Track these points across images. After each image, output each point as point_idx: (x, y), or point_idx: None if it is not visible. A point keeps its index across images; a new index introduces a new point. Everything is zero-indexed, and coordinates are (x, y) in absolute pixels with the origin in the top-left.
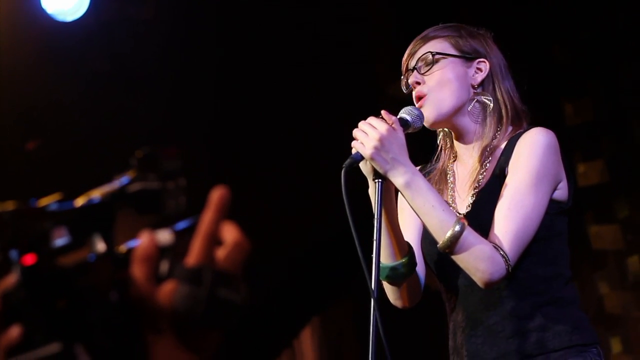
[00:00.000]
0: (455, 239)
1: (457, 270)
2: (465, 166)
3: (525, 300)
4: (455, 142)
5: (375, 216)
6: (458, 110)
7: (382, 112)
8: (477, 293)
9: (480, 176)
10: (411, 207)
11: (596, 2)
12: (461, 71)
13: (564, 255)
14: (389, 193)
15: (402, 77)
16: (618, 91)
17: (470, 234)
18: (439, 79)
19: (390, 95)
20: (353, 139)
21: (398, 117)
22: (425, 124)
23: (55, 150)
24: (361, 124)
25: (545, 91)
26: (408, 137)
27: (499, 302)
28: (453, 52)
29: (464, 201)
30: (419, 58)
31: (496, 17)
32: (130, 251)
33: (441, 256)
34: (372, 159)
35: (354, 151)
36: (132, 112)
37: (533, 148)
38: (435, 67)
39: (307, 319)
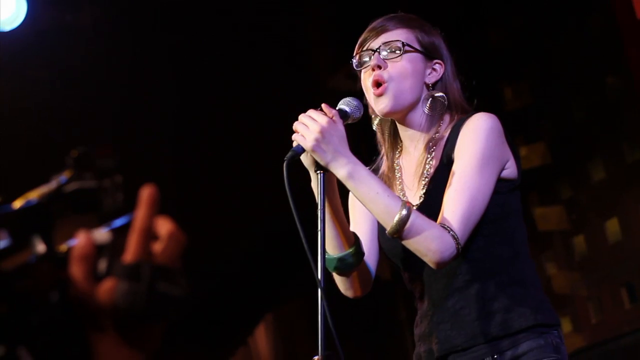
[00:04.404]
0: (403, 222)
1: (420, 260)
2: (411, 158)
3: (487, 281)
4: (400, 132)
5: (319, 207)
6: (414, 105)
7: (323, 105)
8: (440, 280)
9: (427, 166)
10: (356, 197)
11: None
12: (421, 67)
13: (520, 232)
14: (332, 184)
15: (355, 53)
16: (555, 73)
17: (417, 217)
18: (402, 70)
19: (330, 88)
20: (293, 132)
21: (337, 108)
22: (380, 112)
23: None
24: (301, 116)
25: (483, 77)
26: (348, 128)
27: (463, 286)
28: (418, 47)
29: (415, 192)
30: (385, 42)
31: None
32: (70, 250)
33: (403, 248)
34: (313, 151)
35: (294, 144)
36: (67, 114)
37: (476, 132)
38: (401, 57)
39: (261, 316)
